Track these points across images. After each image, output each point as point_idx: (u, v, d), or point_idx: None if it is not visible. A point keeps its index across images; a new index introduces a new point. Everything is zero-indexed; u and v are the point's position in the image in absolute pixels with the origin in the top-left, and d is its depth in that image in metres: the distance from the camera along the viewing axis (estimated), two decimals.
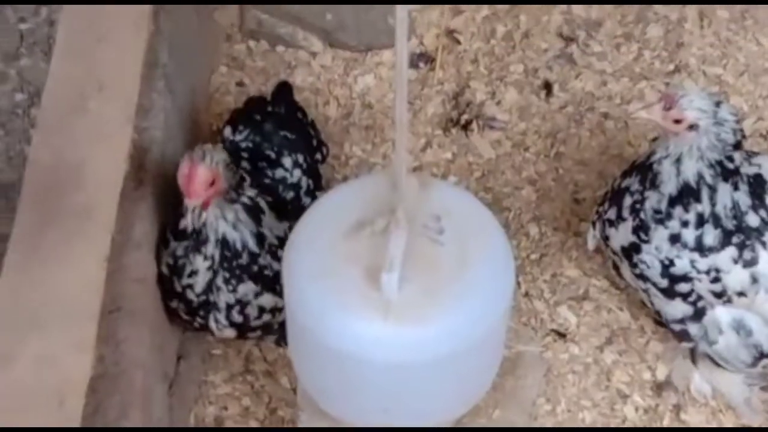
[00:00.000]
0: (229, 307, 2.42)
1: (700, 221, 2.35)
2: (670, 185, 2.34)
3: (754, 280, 2.39)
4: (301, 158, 2.67)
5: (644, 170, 2.39)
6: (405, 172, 2.07)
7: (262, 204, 2.41)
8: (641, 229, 2.39)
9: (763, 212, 2.38)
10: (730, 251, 2.35)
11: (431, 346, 1.95)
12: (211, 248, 2.35)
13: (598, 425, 2.61)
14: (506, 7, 3.28)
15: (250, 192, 2.39)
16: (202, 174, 2.24)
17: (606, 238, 2.50)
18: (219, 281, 2.38)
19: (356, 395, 2.11)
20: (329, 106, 3.16)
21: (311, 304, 2.03)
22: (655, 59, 3.17)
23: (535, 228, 2.91)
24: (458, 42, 3.23)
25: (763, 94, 3.11)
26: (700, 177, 2.32)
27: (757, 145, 3.00)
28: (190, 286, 2.39)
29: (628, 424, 2.61)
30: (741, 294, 2.40)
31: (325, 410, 2.25)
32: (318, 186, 2.71)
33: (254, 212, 2.38)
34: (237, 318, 2.44)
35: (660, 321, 2.57)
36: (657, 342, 2.72)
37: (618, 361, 2.71)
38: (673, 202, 2.35)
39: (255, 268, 2.38)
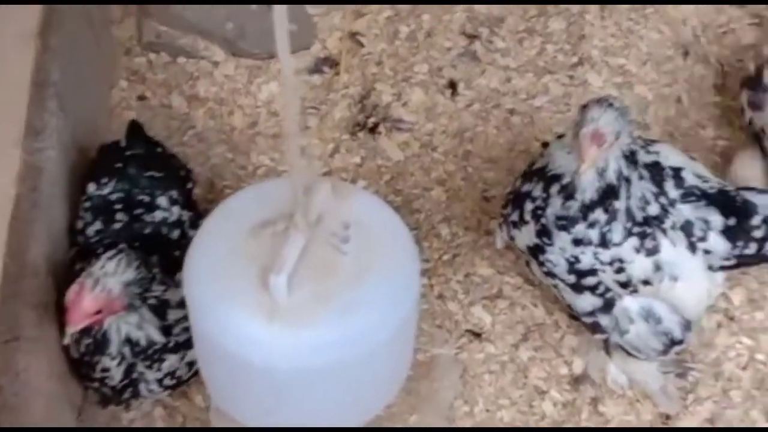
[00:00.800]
0: (159, 380, 2.38)
1: (613, 218, 2.35)
2: (589, 192, 2.31)
3: (658, 268, 2.40)
4: (175, 194, 2.57)
5: (548, 179, 2.36)
6: (302, 177, 2.05)
7: (169, 295, 2.32)
8: (543, 233, 2.39)
9: (663, 199, 2.39)
10: (632, 241, 2.35)
11: (312, 352, 1.93)
12: (116, 348, 2.28)
13: (517, 424, 2.59)
14: (408, 7, 3.26)
15: (158, 290, 2.31)
16: (86, 304, 2.15)
17: (512, 238, 2.49)
18: (139, 368, 2.32)
19: (242, 394, 2.10)
20: (234, 116, 3.11)
21: (205, 302, 2.03)
22: (558, 52, 3.17)
23: (447, 228, 2.90)
24: (362, 44, 3.21)
25: (666, 82, 3.13)
26: (620, 173, 2.31)
27: (663, 133, 3.02)
28: (106, 378, 2.33)
29: (546, 420, 2.61)
30: (646, 282, 2.40)
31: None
32: (199, 215, 2.61)
33: (161, 309, 2.31)
34: (170, 382, 2.40)
35: (573, 315, 2.57)
36: (572, 336, 2.72)
37: (534, 358, 2.70)
38: (592, 206, 2.33)
39: (172, 344, 2.33)
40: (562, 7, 3.22)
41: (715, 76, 3.13)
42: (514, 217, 2.45)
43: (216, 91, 3.15)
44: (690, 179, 2.44)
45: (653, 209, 2.36)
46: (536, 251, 2.43)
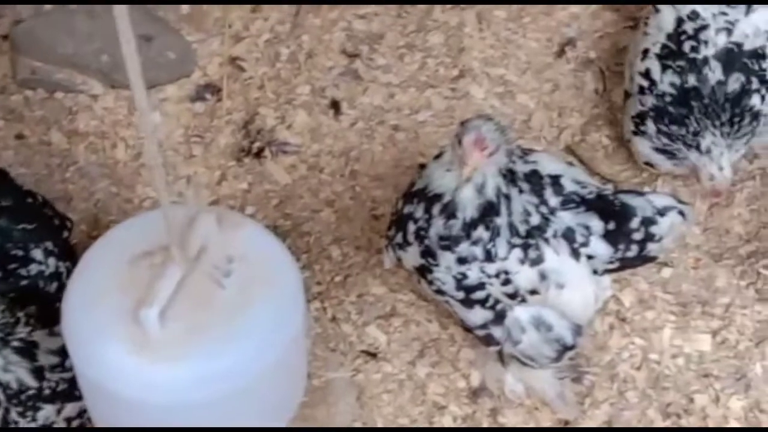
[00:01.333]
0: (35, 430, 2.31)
1: (496, 234, 2.35)
2: (470, 209, 2.32)
3: (543, 277, 2.41)
4: (50, 245, 2.49)
5: (429, 200, 2.35)
6: (177, 208, 2.04)
7: (36, 336, 2.27)
8: (428, 254, 2.38)
9: (543, 209, 2.41)
10: (516, 253, 2.36)
11: (189, 386, 1.92)
12: None
13: None
14: (288, 28, 3.25)
15: (23, 331, 2.25)
16: None
17: (399, 260, 2.48)
18: (13, 415, 2.25)
19: (117, 424, 2.07)
20: (117, 149, 3.06)
21: (79, 335, 2.02)
22: (439, 66, 3.18)
23: (337, 250, 2.88)
24: (243, 69, 3.18)
25: (548, 89, 3.16)
26: (499, 190, 2.32)
27: (544, 141, 3.05)
28: None
29: None
30: (533, 292, 2.42)
31: None
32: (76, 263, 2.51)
33: (28, 350, 2.25)
34: None
35: (467, 328, 2.58)
36: (468, 349, 2.72)
37: (432, 374, 2.70)
38: (474, 224, 2.33)
39: (47, 392, 2.26)
40: (441, 20, 3.23)
41: (595, 80, 3.17)
42: (399, 239, 2.44)
43: (96, 124, 3.10)
44: (569, 186, 2.47)
45: (535, 220, 2.38)
46: (423, 271, 2.43)
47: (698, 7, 2.77)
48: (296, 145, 3.06)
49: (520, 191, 2.36)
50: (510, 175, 2.34)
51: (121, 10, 1.80)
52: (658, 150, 2.86)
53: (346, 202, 2.96)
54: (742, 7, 2.77)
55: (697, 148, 2.76)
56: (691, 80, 2.75)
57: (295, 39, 3.22)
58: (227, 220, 2.18)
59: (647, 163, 2.91)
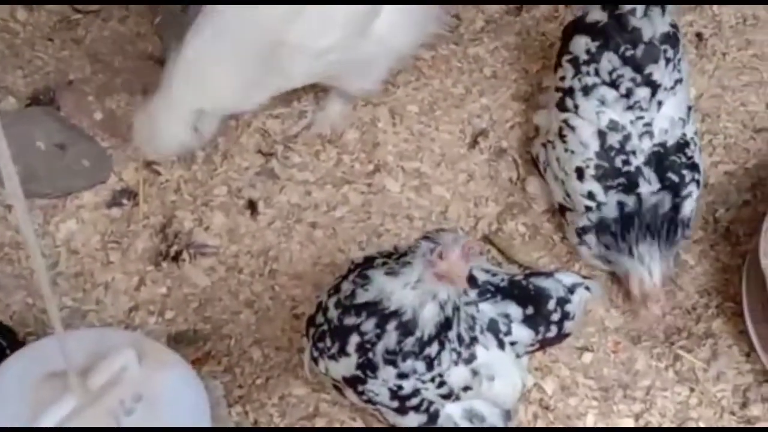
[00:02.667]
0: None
1: (443, 347, 2.35)
2: (429, 327, 2.30)
3: (475, 373, 2.42)
4: None
5: (384, 316, 2.30)
6: (81, 335, 2.02)
7: None
8: (368, 367, 2.35)
9: (472, 308, 2.43)
10: (448, 356, 2.36)
11: None
12: None
13: None
14: None
15: None
16: None
17: (326, 369, 2.44)
18: None
19: None
20: (32, 259, 3.03)
21: None
22: (354, 162, 3.21)
23: (258, 351, 2.86)
24: (158, 173, 3.18)
25: (463, 180, 3.20)
26: (455, 305, 2.33)
27: (462, 232, 3.07)
28: None
29: None
30: (467, 389, 2.42)
31: None
32: None
33: None
34: None
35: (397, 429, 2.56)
36: None
37: None
38: (429, 341, 2.32)
39: None
40: (355, 117, 3.27)
41: (509, 169, 3.22)
42: (334, 350, 2.38)
43: (11, 235, 3.07)
44: (481, 276, 2.50)
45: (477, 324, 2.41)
46: (354, 382, 2.40)
47: (614, 116, 2.83)
48: (214, 246, 3.05)
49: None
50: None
51: None
52: (597, 257, 2.94)
53: (266, 303, 2.95)
54: (654, 105, 2.84)
55: (630, 253, 2.84)
56: (631, 203, 2.82)
57: (210, 141, 3.23)
58: (152, 357, 2.20)
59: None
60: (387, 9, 2.97)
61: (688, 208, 2.86)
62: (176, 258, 3.03)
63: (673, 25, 2.88)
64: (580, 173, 2.87)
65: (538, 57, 3.40)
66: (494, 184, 3.19)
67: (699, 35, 3.42)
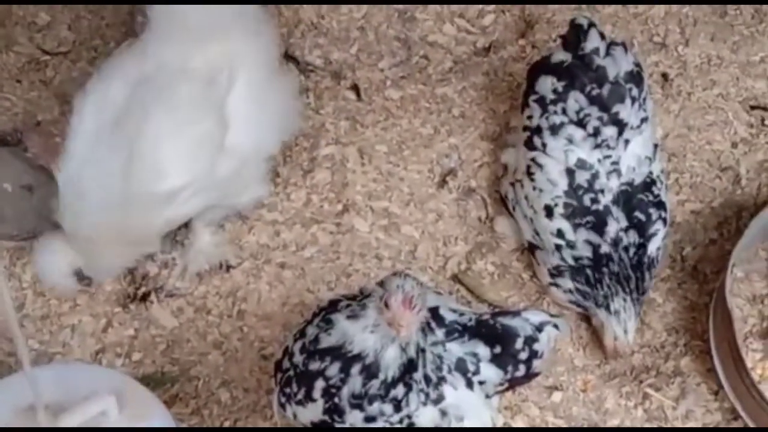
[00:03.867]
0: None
1: (410, 389, 2.33)
2: (392, 369, 2.29)
3: (444, 413, 2.41)
4: None
5: (347, 359, 2.29)
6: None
7: None
8: (335, 411, 2.34)
9: (439, 348, 2.43)
10: (415, 397, 2.36)
11: None
12: None
13: None
14: None
15: None
16: None
17: (294, 415, 2.42)
18: None
19: None
20: None
21: None
22: (323, 202, 3.21)
23: (226, 393, 2.85)
24: None
25: (432, 219, 3.21)
26: (418, 346, 2.32)
27: (430, 271, 3.09)
28: None
29: None
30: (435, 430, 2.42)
31: None
32: None
33: None
34: None
35: None
36: None
37: None
38: (394, 383, 2.31)
39: None
40: (322, 156, 3.28)
41: (478, 208, 3.23)
42: (300, 395, 2.36)
43: None
44: (448, 316, 2.50)
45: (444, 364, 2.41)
46: (323, 427, 2.38)
47: (582, 154, 2.86)
48: (183, 287, 3.05)
49: (425, 334, 2.36)
50: (427, 327, 2.36)
51: None
52: (571, 302, 2.94)
53: (234, 343, 2.94)
54: (621, 143, 2.86)
55: (607, 308, 2.85)
56: (604, 247, 2.83)
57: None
58: (135, 406, 2.20)
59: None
60: (234, 121, 2.86)
61: (653, 247, 2.88)
62: (144, 299, 3.02)
63: (637, 64, 2.91)
64: (548, 211, 2.89)
65: (505, 97, 3.42)
66: (463, 223, 3.20)
67: (664, 75, 3.46)
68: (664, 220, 2.90)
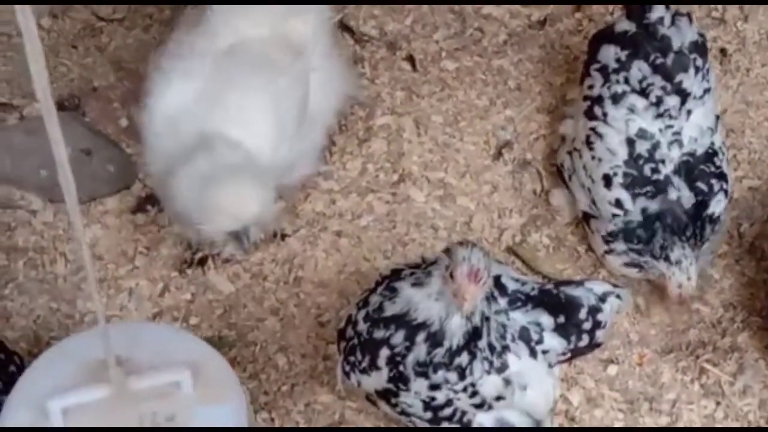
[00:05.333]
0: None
1: (474, 356, 2.34)
2: (457, 337, 2.30)
3: (508, 382, 2.42)
4: None
5: (412, 327, 2.30)
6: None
7: None
8: (400, 380, 2.35)
9: (503, 317, 2.43)
10: (479, 365, 2.36)
11: None
12: None
13: None
14: None
15: None
16: None
17: (358, 383, 2.43)
18: None
19: None
20: (57, 264, 3.03)
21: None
22: (379, 171, 3.21)
23: (283, 358, 2.86)
24: None
25: (487, 191, 3.20)
26: (483, 314, 2.32)
27: (486, 243, 3.08)
28: None
29: None
30: (499, 398, 2.42)
31: None
32: None
33: None
34: None
35: None
36: None
37: None
38: (458, 350, 2.31)
39: None
40: (378, 126, 3.28)
41: (533, 181, 3.22)
42: (365, 364, 2.38)
43: (36, 240, 3.06)
44: (511, 285, 2.50)
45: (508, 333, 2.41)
46: (387, 395, 2.40)
47: (644, 124, 2.83)
48: (239, 254, 3.05)
49: (489, 302, 2.36)
50: (491, 297, 2.36)
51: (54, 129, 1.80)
52: (628, 264, 2.91)
53: (291, 310, 2.95)
54: (684, 114, 2.84)
55: (666, 259, 2.80)
56: (653, 206, 2.80)
57: None
58: (210, 384, 2.21)
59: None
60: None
61: (714, 207, 2.83)
62: (201, 264, 3.03)
63: (701, 35, 2.89)
64: (607, 180, 2.86)
65: (562, 70, 3.41)
66: (518, 195, 3.19)
67: (723, 51, 3.44)
68: (726, 192, 2.87)
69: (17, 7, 1.61)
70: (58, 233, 3.08)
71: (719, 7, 3.52)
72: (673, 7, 2.93)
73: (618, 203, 2.84)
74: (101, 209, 3.13)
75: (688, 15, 2.90)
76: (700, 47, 2.86)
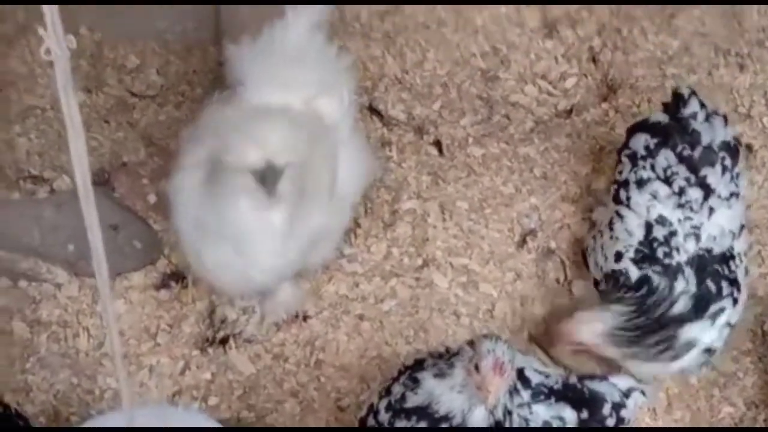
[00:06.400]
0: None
1: None
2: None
3: None
4: None
5: (434, 420, 2.29)
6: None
7: None
8: None
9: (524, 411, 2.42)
10: None
11: None
12: None
13: None
14: None
15: None
16: None
17: None
18: None
19: None
20: (80, 338, 3.04)
21: None
22: (403, 255, 3.22)
23: None
24: None
25: (511, 279, 3.20)
26: (505, 408, 2.32)
27: (508, 331, 3.07)
28: None
29: None
30: None
31: None
32: None
33: None
34: None
35: None
36: None
37: None
38: None
39: None
40: (404, 210, 3.30)
41: (557, 270, 3.22)
42: None
43: (60, 313, 3.08)
44: (534, 377, 2.49)
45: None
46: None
47: (665, 212, 2.83)
48: (260, 335, 3.06)
49: (511, 395, 2.35)
50: (514, 390, 2.36)
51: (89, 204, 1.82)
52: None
53: (311, 393, 2.94)
54: (705, 209, 2.83)
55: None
56: (656, 279, 2.76)
57: None
58: None
59: None
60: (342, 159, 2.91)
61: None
62: (222, 343, 3.03)
63: (736, 139, 2.92)
64: (618, 256, 2.85)
65: (588, 160, 3.43)
66: (541, 284, 3.19)
67: (749, 146, 3.45)
68: (735, 300, 2.81)
69: (60, 85, 1.63)
70: (81, 307, 3.09)
71: (745, 102, 3.55)
72: (710, 106, 2.96)
73: (622, 272, 2.82)
74: (126, 284, 3.14)
75: (724, 116, 2.92)
76: (731, 149, 2.87)
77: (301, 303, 3.09)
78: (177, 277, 3.16)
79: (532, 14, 3.81)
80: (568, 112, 3.57)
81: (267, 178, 2.58)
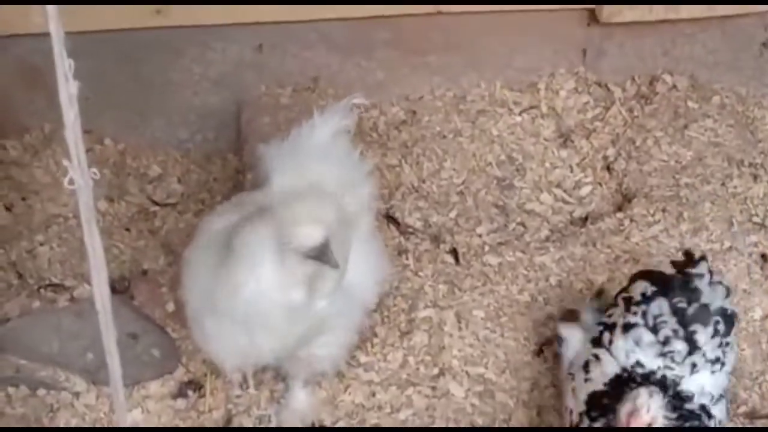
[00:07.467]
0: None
1: None
2: None
3: None
4: None
5: None
6: None
7: None
8: None
9: None
10: None
11: None
12: None
13: None
14: None
15: None
16: None
17: None
18: None
19: None
20: None
21: None
22: (420, 364, 3.22)
23: None
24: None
25: (527, 388, 3.20)
26: None
27: None
28: None
29: None
30: None
31: None
32: None
33: None
34: None
35: None
36: None
37: None
38: None
39: None
40: (420, 318, 3.31)
41: None
42: None
43: (77, 422, 3.09)
44: None
45: None
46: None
47: (643, 358, 2.75)
48: None
49: None
50: None
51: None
52: None
53: None
54: (688, 365, 2.75)
55: None
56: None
57: None
58: None
59: None
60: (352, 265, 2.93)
61: None
62: None
63: (734, 312, 2.88)
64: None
65: (603, 269, 3.44)
66: (558, 394, 3.18)
67: (764, 256, 3.46)
68: None
69: (83, 218, 1.68)
70: (99, 416, 3.10)
71: (759, 212, 3.57)
72: (716, 275, 2.94)
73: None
74: (143, 393, 3.16)
75: (728, 288, 2.90)
76: (727, 318, 2.82)
77: (317, 412, 3.09)
78: (194, 385, 3.18)
79: (547, 124, 3.88)
80: (584, 220, 3.61)
81: (326, 251, 2.70)
